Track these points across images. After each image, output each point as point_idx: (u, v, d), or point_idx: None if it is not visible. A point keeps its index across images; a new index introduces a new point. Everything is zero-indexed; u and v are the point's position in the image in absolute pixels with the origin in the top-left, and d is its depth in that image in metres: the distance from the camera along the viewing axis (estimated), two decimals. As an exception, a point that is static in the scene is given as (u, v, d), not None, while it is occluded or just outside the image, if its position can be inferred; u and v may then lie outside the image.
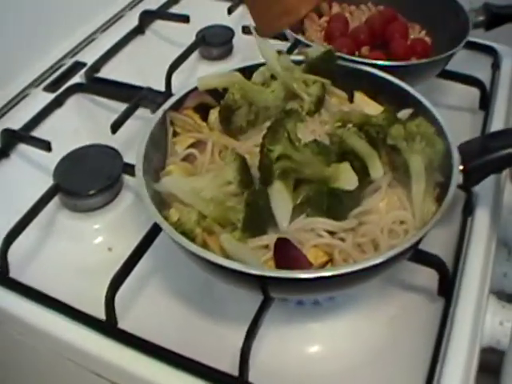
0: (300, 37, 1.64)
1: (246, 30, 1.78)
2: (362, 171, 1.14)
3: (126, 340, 1.04)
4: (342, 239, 1.12)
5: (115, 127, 1.45)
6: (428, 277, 1.12)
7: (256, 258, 1.08)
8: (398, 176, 1.13)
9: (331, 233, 1.10)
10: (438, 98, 1.52)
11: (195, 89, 1.40)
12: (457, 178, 1.08)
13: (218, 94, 1.37)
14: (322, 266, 1.07)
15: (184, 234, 1.09)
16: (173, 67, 1.58)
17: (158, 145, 1.31)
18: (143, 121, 1.45)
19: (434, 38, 1.64)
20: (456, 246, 1.20)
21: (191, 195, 1.16)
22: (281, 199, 1.13)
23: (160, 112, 1.34)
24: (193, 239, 1.10)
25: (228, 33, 1.78)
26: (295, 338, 1.09)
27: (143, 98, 1.58)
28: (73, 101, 1.62)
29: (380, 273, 1.08)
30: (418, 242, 1.07)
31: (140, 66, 1.84)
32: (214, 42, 1.77)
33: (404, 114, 1.30)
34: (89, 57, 1.82)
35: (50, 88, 1.71)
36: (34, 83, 1.74)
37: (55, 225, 1.30)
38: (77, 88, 1.70)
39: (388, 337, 1.08)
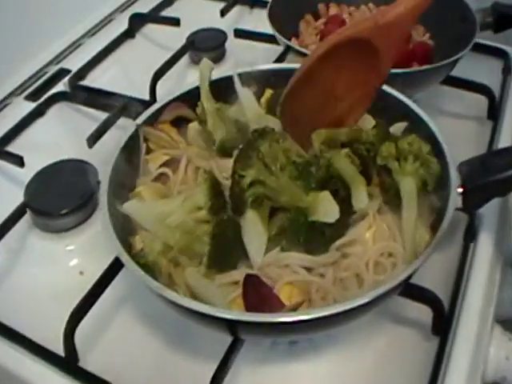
0: (292, 42, 1.53)
1: (238, 33, 1.73)
2: (349, 199, 1.02)
3: (87, 380, 0.97)
4: (322, 275, 1.01)
5: (91, 141, 1.36)
6: (421, 310, 1.00)
7: (222, 297, 0.97)
8: (389, 199, 1.07)
9: (309, 268, 1.00)
10: (441, 106, 1.44)
11: (173, 100, 1.30)
12: (455, 201, 0.97)
13: (196, 104, 1.28)
14: (297, 307, 0.93)
15: (146, 266, 0.99)
16: (158, 74, 1.49)
17: (131, 162, 1.20)
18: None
19: (438, 41, 1.52)
20: (455, 276, 1.09)
21: (155, 222, 1.05)
22: (254, 231, 1.02)
23: (132, 127, 1.23)
24: (156, 272, 1.00)
25: (220, 36, 1.67)
26: (271, 379, 1.00)
27: (125, 108, 1.47)
28: (55, 110, 1.58)
29: (362, 314, 0.96)
30: (406, 279, 0.94)
31: (128, 73, 1.74)
32: (205, 47, 1.65)
33: (398, 127, 1.18)
34: (74, 63, 1.72)
35: (32, 97, 1.63)
36: (16, 91, 1.66)
37: (25, 246, 1.23)
38: (60, 97, 1.61)
39: (376, 377, 0.98)
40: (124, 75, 1.73)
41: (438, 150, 1.07)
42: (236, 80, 1.24)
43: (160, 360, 1.01)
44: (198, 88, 1.28)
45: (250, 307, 0.91)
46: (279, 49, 1.52)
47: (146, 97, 1.44)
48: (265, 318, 0.89)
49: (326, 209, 0.98)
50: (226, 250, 1.00)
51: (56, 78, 1.70)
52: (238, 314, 0.89)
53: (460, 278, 1.08)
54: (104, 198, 1.08)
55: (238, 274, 0.99)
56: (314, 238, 1.00)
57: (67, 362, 0.98)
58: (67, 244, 1.28)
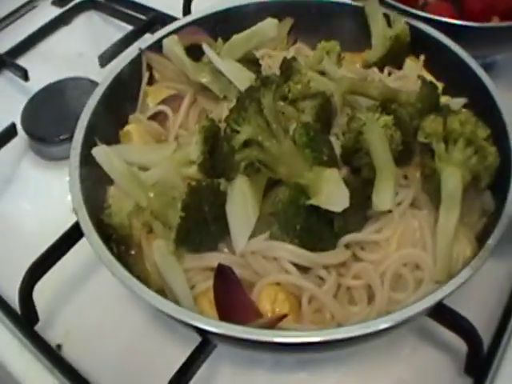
0: None
1: None
2: (370, 185, 0.79)
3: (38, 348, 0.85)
4: (320, 279, 0.77)
5: (104, 59, 1.17)
6: (452, 338, 0.78)
7: (185, 287, 0.78)
8: (430, 188, 0.82)
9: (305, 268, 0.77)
10: None
11: (191, 23, 1.08)
12: None
13: (217, 30, 1.06)
14: (277, 322, 0.71)
15: (113, 227, 0.82)
16: None
17: (128, 92, 1.02)
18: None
19: None
20: (504, 305, 0.86)
21: (126, 176, 0.85)
22: (241, 205, 0.79)
23: (134, 50, 1.03)
24: (125, 236, 0.83)
25: None
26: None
27: (150, 24, 1.28)
28: (82, 19, 1.44)
29: (363, 342, 0.75)
30: (433, 306, 0.70)
31: None
32: None
33: (456, 103, 0.92)
34: None
35: (60, 2, 1.47)
36: None
37: (17, 171, 1.12)
38: (89, 4, 1.46)
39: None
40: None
41: (500, 137, 0.83)
42: (209, 51, 0.99)
43: (128, 340, 0.88)
44: (224, 11, 1.09)
45: (219, 309, 0.76)
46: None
47: (180, 13, 1.27)
48: (228, 331, 0.69)
49: (332, 193, 0.74)
50: (199, 225, 0.78)
51: None
52: (197, 319, 0.71)
53: (510, 308, 0.84)
54: (79, 134, 0.90)
55: (213, 260, 0.79)
56: (317, 227, 0.76)
57: (23, 321, 0.86)
58: (66, 175, 1.03)
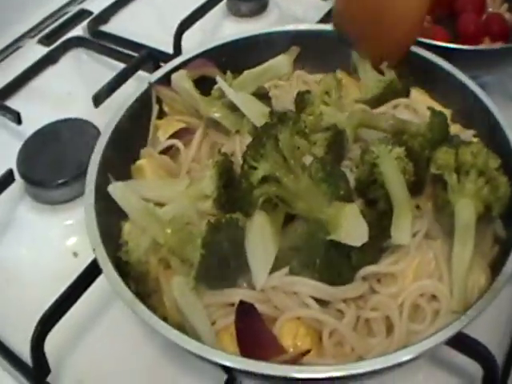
0: None
1: None
2: (385, 217, 0.80)
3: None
4: (340, 312, 0.78)
5: (98, 99, 1.15)
6: (466, 362, 0.80)
7: (207, 323, 0.78)
8: (443, 218, 0.84)
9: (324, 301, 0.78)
10: None
11: (199, 55, 1.08)
12: None
13: (225, 63, 1.07)
14: (300, 357, 0.72)
15: (131, 264, 0.82)
16: (184, 25, 1.30)
17: (138, 127, 1.01)
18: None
19: None
20: None
21: (143, 212, 0.85)
22: (261, 241, 0.80)
23: (144, 84, 1.03)
24: (142, 272, 0.82)
25: None
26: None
27: (143, 61, 1.26)
28: (70, 57, 1.39)
29: (386, 373, 0.76)
30: (452, 337, 0.71)
31: (159, 18, 1.49)
32: None
33: (466, 136, 0.94)
34: (97, 4, 1.51)
35: (46, 40, 1.43)
36: (30, 33, 1.46)
37: (14, 217, 1.09)
38: (76, 42, 1.42)
39: None
40: (154, 21, 1.49)
41: (509, 165, 0.84)
42: (223, 84, 0.98)
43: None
44: (232, 43, 1.10)
45: (242, 345, 0.76)
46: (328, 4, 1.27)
47: (171, 49, 1.27)
48: (253, 367, 0.70)
49: (351, 228, 0.75)
50: (219, 262, 0.78)
51: (75, 19, 1.49)
52: (222, 357, 0.71)
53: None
54: (93, 171, 0.90)
55: (233, 295, 0.79)
56: (336, 261, 0.77)
57: (34, 374, 0.84)
58: (66, 218, 1.08)
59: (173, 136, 1.00)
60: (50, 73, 1.36)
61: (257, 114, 0.94)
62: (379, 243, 0.80)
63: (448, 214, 0.81)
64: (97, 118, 1.13)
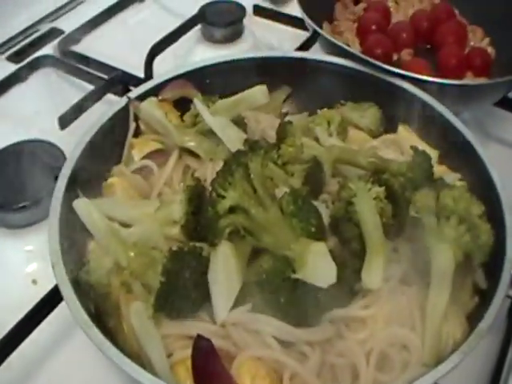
0: (324, 28, 1.25)
1: (258, 10, 1.47)
2: (358, 258, 0.76)
3: None
4: (304, 355, 0.74)
5: (64, 121, 1.12)
6: None
7: (162, 356, 0.74)
8: (419, 265, 0.79)
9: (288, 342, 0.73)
10: (491, 131, 1.19)
11: (178, 76, 1.04)
12: (506, 288, 0.74)
13: (206, 85, 1.04)
14: None
15: (91, 285, 0.78)
16: (155, 50, 1.25)
17: (112, 144, 0.98)
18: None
19: (500, 49, 1.24)
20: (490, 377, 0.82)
21: (107, 232, 0.82)
22: (224, 273, 0.76)
23: (123, 100, 1.00)
24: (102, 295, 0.79)
25: (238, 11, 1.42)
26: None
27: (112, 84, 1.23)
28: (39, 76, 1.34)
29: None
30: None
31: (132, 41, 1.43)
32: (219, 21, 1.41)
33: (451, 178, 0.90)
34: (70, 23, 1.47)
35: (16, 57, 1.39)
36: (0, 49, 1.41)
37: None
38: (46, 61, 1.37)
39: None
40: (126, 43, 1.44)
41: (493, 212, 0.80)
42: (201, 107, 0.95)
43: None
44: (210, 66, 1.06)
45: (197, 381, 0.72)
46: (305, 34, 1.26)
47: (142, 73, 1.23)
48: None
49: (318, 267, 0.71)
50: (179, 292, 0.75)
51: (46, 38, 1.45)
52: None
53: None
54: (61, 185, 0.86)
55: (192, 328, 0.75)
56: (302, 301, 0.73)
57: None
58: (26, 243, 1.03)
59: (147, 156, 0.97)
60: (17, 91, 1.32)
61: (233, 139, 0.91)
62: (350, 285, 0.76)
63: (425, 260, 0.77)
64: (63, 141, 1.09)
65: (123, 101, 0.99)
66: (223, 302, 0.74)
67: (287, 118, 0.99)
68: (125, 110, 0.99)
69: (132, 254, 0.78)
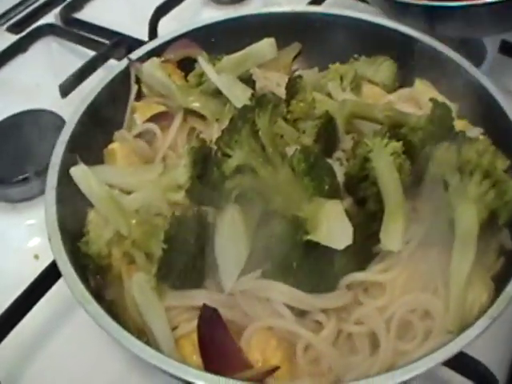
0: None
1: None
2: (376, 219, 0.71)
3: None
4: (319, 323, 0.69)
5: (65, 89, 1.07)
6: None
7: (166, 328, 0.71)
8: (440, 225, 0.73)
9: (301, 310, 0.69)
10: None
11: (182, 36, 1.00)
12: None
13: (211, 45, 0.98)
14: (268, 375, 0.63)
15: (90, 257, 0.75)
16: (161, 11, 1.21)
17: (114, 107, 0.94)
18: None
19: None
20: None
21: (106, 200, 0.78)
22: (231, 239, 0.72)
23: (123, 62, 0.95)
24: (103, 267, 0.76)
25: None
26: None
27: (114, 48, 1.18)
28: (40, 46, 1.31)
29: None
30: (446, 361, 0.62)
31: (135, 5, 1.37)
32: None
33: (473, 132, 0.83)
34: None
35: (16, 28, 1.35)
36: (0, 20, 1.38)
37: None
38: (47, 30, 1.33)
39: None
40: (129, 9, 1.39)
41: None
42: (205, 66, 0.91)
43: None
44: (215, 25, 1.01)
45: (204, 356, 0.67)
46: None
47: (146, 36, 1.18)
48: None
49: (333, 228, 0.67)
50: (183, 260, 0.70)
51: (47, 6, 1.40)
52: (177, 369, 0.63)
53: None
54: (59, 151, 0.83)
55: (198, 298, 0.71)
56: (315, 265, 0.68)
57: None
58: (27, 217, 0.99)
59: (150, 119, 0.93)
60: (18, 62, 1.28)
61: (240, 97, 0.86)
62: (368, 248, 0.70)
63: (448, 220, 0.71)
64: (65, 110, 1.03)
65: (124, 63, 0.95)
66: (230, 269, 0.70)
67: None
68: (126, 73, 0.95)
69: (133, 222, 0.75)
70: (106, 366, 0.81)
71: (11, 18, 1.37)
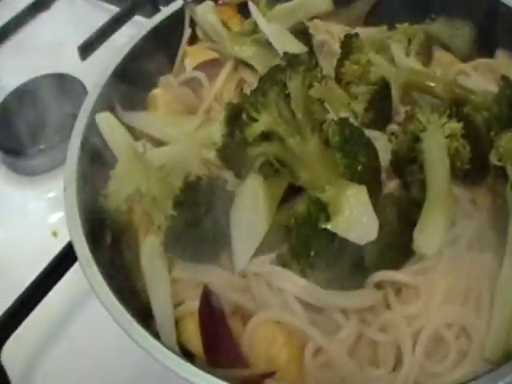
0: None
1: None
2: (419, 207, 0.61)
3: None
4: (336, 325, 0.59)
5: (84, 51, 1.02)
6: None
7: (168, 305, 0.64)
8: (496, 225, 0.62)
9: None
10: None
11: None
12: None
13: None
14: (265, 377, 0.56)
15: (108, 211, 0.70)
16: None
17: (165, 51, 0.88)
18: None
19: None
20: None
21: (129, 154, 0.72)
22: (249, 212, 0.63)
23: (178, 2, 0.88)
24: (123, 224, 0.70)
25: None
26: None
27: (139, 4, 1.11)
28: (63, 2, 1.24)
29: None
30: None
31: None
32: None
33: None
34: None
35: None
36: None
37: None
38: None
39: None
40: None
41: None
42: (257, 14, 0.82)
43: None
44: None
45: (204, 343, 0.62)
46: None
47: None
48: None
49: (355, 219, 0.57)
50: (193, 230, 0.62)
51: None
52: (171, 362, 0.57)
53: None
54: (92, 98, 0.78)
55: (206, 274, 0.64)
56: (338, 256, 0.58)
57: None
58: (47, 190, 0.94)
59: (200, 66, 0.86)
60: (41, 20, 1.23)
61: (291, 51, 0.74)
62: (407, 242, 0.60)
63: (504, 222, 0.59)
64: (87, 73, 0.98)
65: (178, 4, 0.89)
66: (244, 248, 0.62)
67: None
68: (179, 15, 0.89)
69: (153, 179, 0.68)
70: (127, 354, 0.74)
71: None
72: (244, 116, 0.63)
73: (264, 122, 0.61)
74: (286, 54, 0.68)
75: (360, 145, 0.61)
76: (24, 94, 1.00)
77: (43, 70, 1.02)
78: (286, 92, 0.61)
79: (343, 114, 0.70)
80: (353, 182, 0.58)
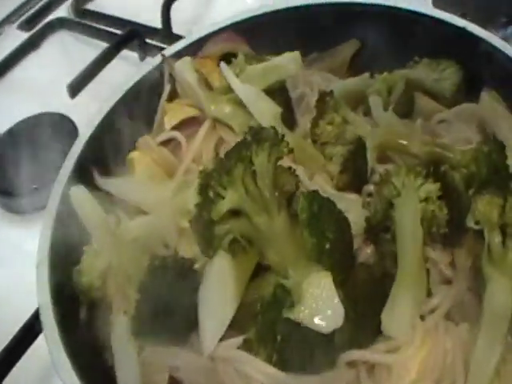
0: None
1: None
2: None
3: None
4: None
5: (73, 89, 1.02)
6: None
7: None
8: (476, 291, 0.60)
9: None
10: None
11: (223, 29, 0.90)
12: None
13: (258, 39, 0.89)
14: None
15: (81, 287, 0.69)
16: None
17: (143, 110, 0.86)
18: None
19: None
20: None
21: (101, 228, 0.71)
22: (217, 293, 0.61)
23: (157, 58, 0.88)
24: (94, 299, 0.70)
25: None
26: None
27: (127, 39, 1.11)
28: (52, 41, 1.26)
29: None
30: None
31: None
32: None
33: None
34: None
35: (27, 25, 1.30)
36: (10, 18, 1.33)
37: None
38: (59, 24, 1.28)
39: None
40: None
41: None
42: (229, 74, 0.80)
43: None
44: (262, 16, 0.91)
45: None
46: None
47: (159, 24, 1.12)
48: None
49: (317, 307, 0.54)
50: (159, 314, 0.60)
51: (55, 1, 1.34)
52: None
53: None
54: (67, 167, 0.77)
55: (174, 358, 0.62)
56: (306, 340, 0.55)
57: None
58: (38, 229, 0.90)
59: (178, 126, 0.84)
60: (31, 60, 1.24)
61: (266, 113, 0.77)
62: (378, 318, 0.57)
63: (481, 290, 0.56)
64: (78, 111, 1.00)
65: (156, 60, 0.88)
66: (212, 330, 0.60)
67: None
68: (157, 71, 0.88)
69: (127, 254, 0.67)
70: None
71: (21, 15, 1.33)
72: (211, 193, 0.61)
73: (230, 199, 0.59)
74: (250, 128, 0.65)
75: (329, 220, 0.59)
76: (17, 133, 1.02)
77: (35, 109, 1.03)
78: (253, 168, 0.59)
79: (318, 178, 0.68)
80: (318, 265, 0.56)
